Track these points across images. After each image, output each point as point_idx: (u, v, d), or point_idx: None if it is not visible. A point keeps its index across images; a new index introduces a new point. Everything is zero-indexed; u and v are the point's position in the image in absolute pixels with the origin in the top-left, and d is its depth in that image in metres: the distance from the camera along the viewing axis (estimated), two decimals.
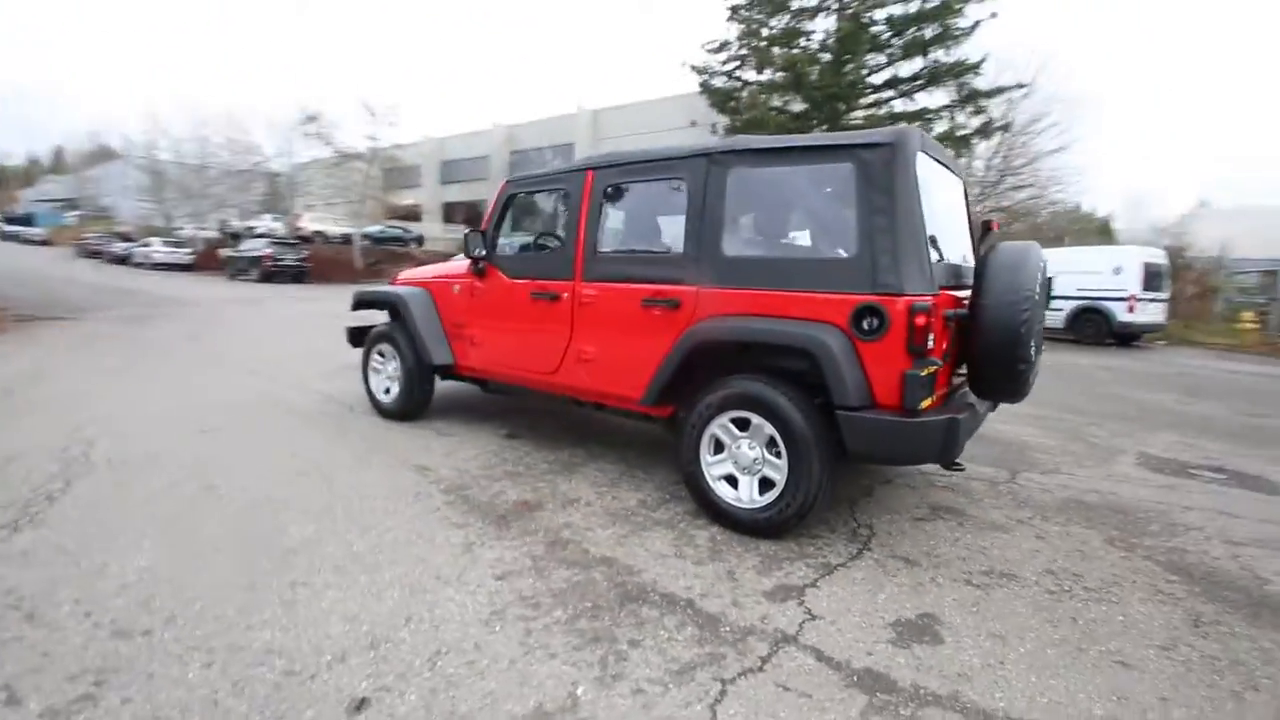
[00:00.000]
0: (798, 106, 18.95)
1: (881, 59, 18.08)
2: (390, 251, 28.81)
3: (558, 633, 2.08)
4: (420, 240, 33.74)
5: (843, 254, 2.63)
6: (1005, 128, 17.63)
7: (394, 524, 2.85)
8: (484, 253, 3.82)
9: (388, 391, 4.63)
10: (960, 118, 17.31)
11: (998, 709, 1.79)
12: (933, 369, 2.45)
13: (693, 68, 20.32)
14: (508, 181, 3.89)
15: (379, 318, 5.13)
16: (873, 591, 2.41)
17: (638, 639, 2.06)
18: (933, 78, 17.51)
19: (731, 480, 2.90)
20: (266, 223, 30.16)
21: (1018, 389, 2.77)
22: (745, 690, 1.82)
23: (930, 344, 2.44)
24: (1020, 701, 1.82)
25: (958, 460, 2.71)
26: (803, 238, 3.00)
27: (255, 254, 21.90)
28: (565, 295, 3.47)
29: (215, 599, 2.20)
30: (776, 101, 18.16)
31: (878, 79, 18.13)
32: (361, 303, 4.86)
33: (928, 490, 3.53)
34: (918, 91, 17.90)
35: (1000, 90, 16.98)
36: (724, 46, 19.66)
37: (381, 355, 4.66)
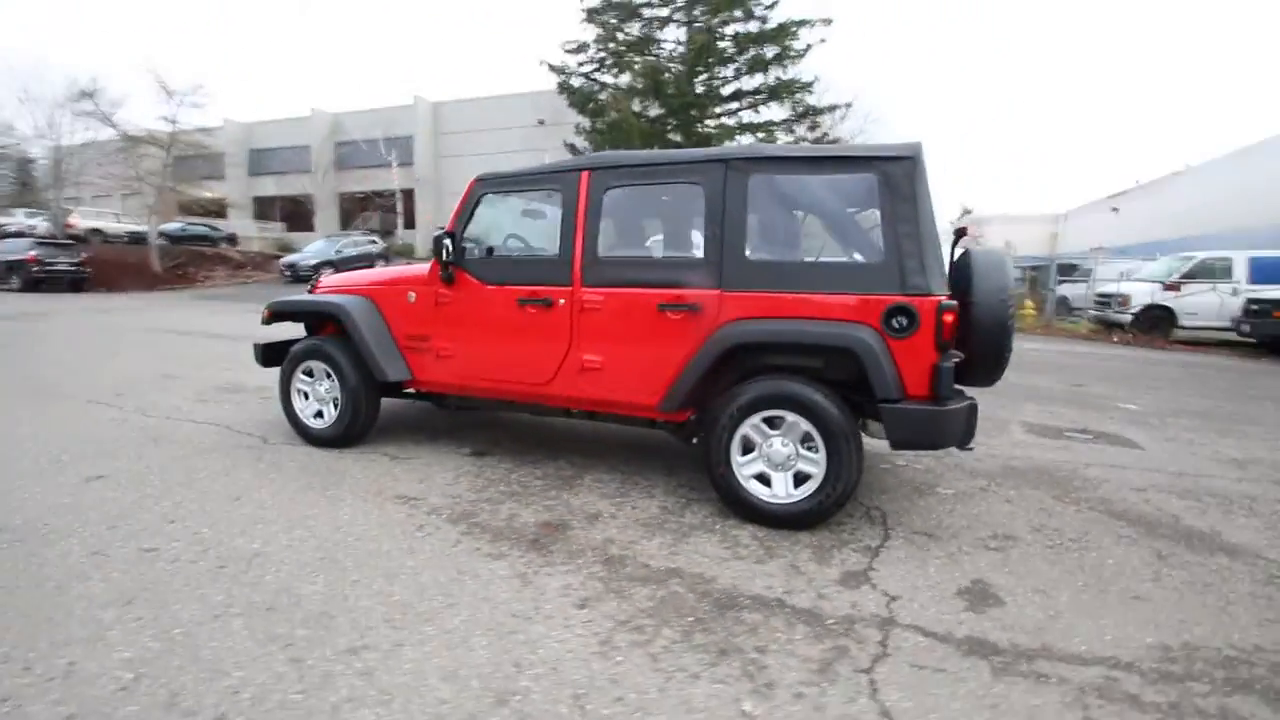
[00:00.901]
0: (654, 111, 19.63)
1: (729, 72, 19.32)
2: (196, 252, 24.99)
3: (682, 652, 2.00)
4: (233, 239, 29.64)
5: (871, 258, 2.83)
6: (834, 143, 19.75)
7: (420, 564, 2.53)
8: (453, 257, 3.50)
9: (319, 415, 4.06)
10: (800, 131, 19.07)
11: (1082, 652, 2.06)
12: (956, 361, 2.72)
13: (550, 67, 20.14)
14: (478, 180, 3.60)
15: (291, 332, 4.48)
16: (921, 566, 2.63)
17: (761, 645, 2.05)
18: (774, 93, 19.09)
19: (762, 478, 2.98)
20: (19, 219, 24.62)
21: (999, 374, 3.17)
22: (890, 677, 1.91)
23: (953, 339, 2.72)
24: (1094, 643, 2.11)
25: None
26: (822, 243, 3.16)
27: (15, 258, 17.78)
28: (562, 301, 3.30)
29: (268, 685, 1.80)
30: (637, 106, 18.62)
31: (728, 90, 19.35)
32: (280, 315, 4.20)
33: (890, 471, 3.89)
34: (762, 105, 19.40)
35: (832, 108, 19.00)
36: (582, 48, 19.74)
37: (309, 375, 4.07)
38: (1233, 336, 11.38)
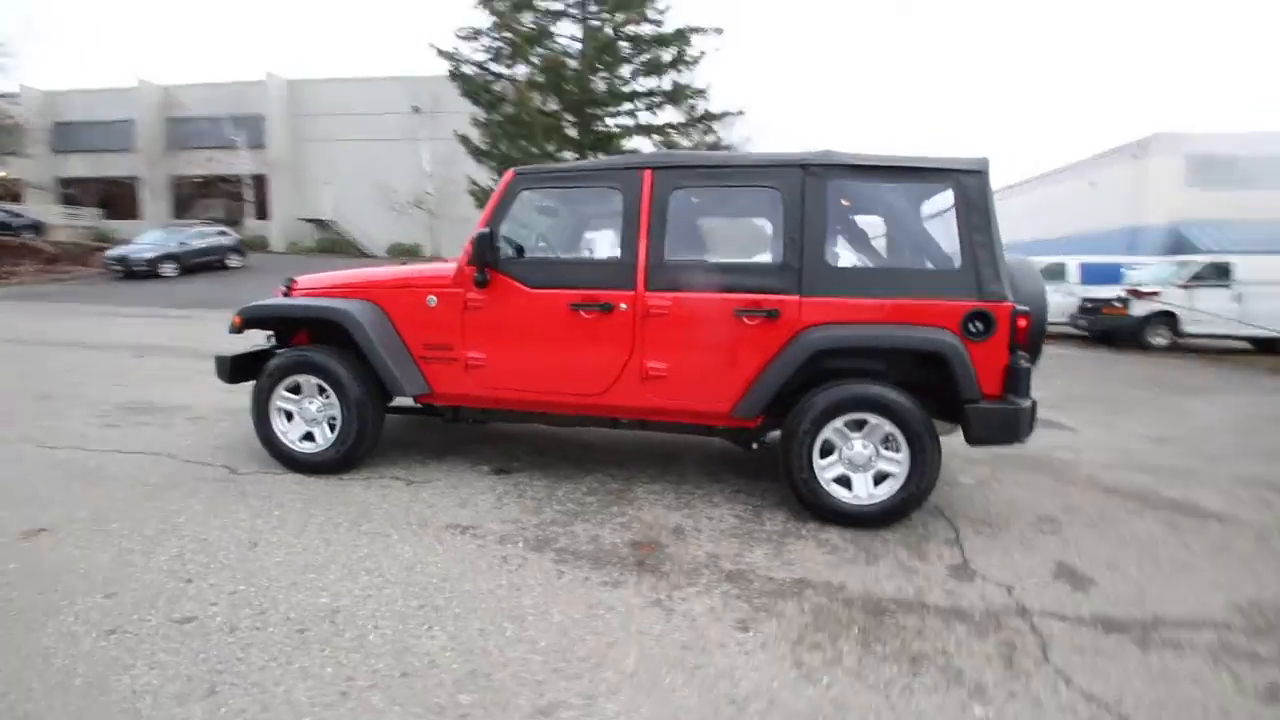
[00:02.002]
0: (551, 106, 19.21)
1: (627, 73, 19.37)
2: None
3: (878, 667, 1.97)
4: (39, 228, 24.86)
5: (947, 265, 2.96)
6: (728, 149, 20.56)
7: (539, 602, 2.26)
8: (490, 259, 3.17)
9: (308, 439, 3.51)
10: (695, 135, 19.59)
11: (1186, 617, 2.30)
12: (1027, 361, 2.93)
13: (440, 52, 18.97)
14: (517, 174, 3.28)
15: (244, 344, 3.83)
16: (1005, 554, 2.80)
17: (941, 648, 2.07)
18: (671, 97, 19.44)
19: (840, 480, 3.02)
20: None
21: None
22: (1070, 662, 2.00)
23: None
24: (1187, 608, 2.37)
25: None
26: (895, 249, 3.23)
27: None
28: (623, 306, 3.12)
29: None
30: (536, 100, 18.09)
31: (626, 90, 19.38)
32: (255, 322, 3.57)
33: None
34: (658, 107, 19.67)
35: (726, 114, 19.72)
36: (477, 35, 18.81)
37: (294, 391, 3.49)
38: (1071, 330, 13.39)
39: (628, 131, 19.81)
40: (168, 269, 19.57)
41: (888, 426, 2.93)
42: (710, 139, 19.61)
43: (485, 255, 3.14)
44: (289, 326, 3.75)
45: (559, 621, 2.14)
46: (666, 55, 19.15)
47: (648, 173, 3.12)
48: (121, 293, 16.39)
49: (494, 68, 19.62)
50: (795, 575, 2.54)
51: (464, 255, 3.33)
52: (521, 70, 19.01)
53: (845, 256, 3.06)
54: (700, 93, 19.68)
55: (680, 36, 18.97)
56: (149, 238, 20.89)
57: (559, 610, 2.21)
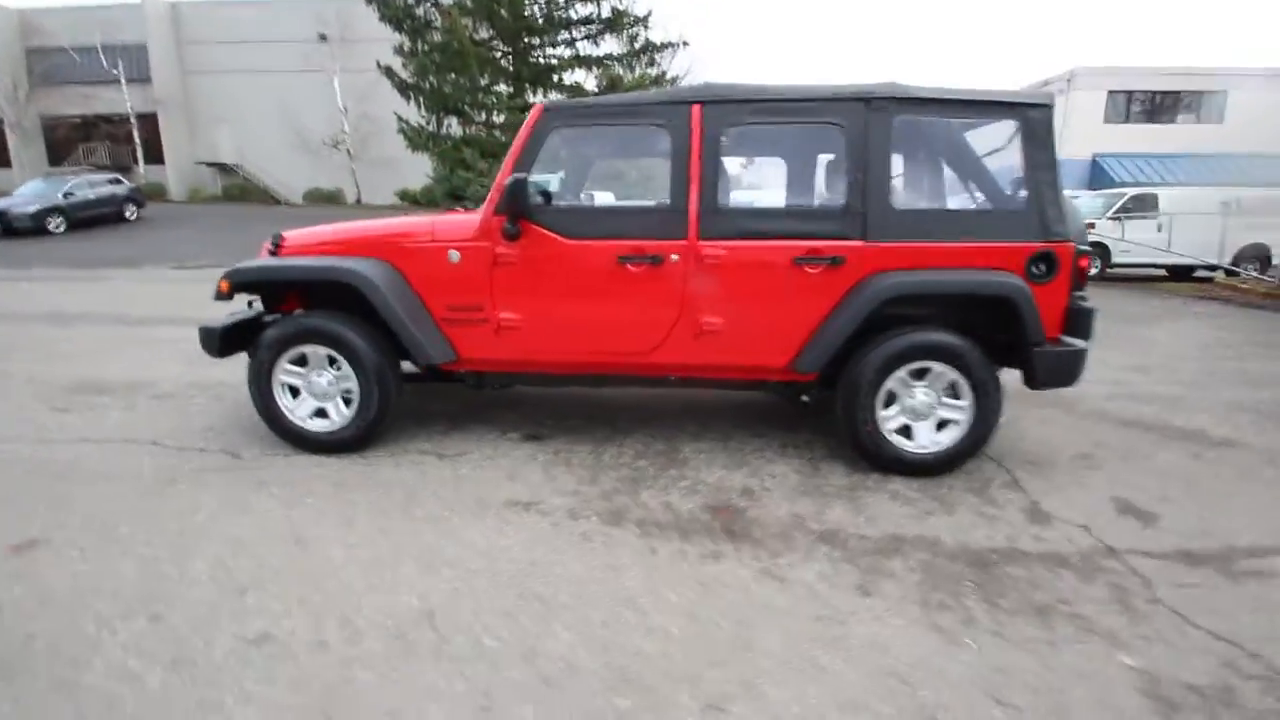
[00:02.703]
0: (483, 33, 17.84)
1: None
2: None
3: (1013, 623, 1.95)
4: None
5: (1011, 206, 2.86)
6: (673, 81, 19.80)
7: (644, 584, 2.12)
8: (522, 207, 2.82)
9: (321, 414, 3.15)
10: (640, 68, 18.72)
11: (1256, 546, 2.42)
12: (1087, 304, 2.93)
13: None
14: (547, 110, 2.90)
15: (225, 311, 3.36)
16: (1065, 493, 2.86)
17: (1060, 599, 2.08)
18: (610, 26, 18.39)
19: (902, 430, 2.98)
20: None
21: None
22: (1180, 601, 2.05)
23: None
24: (1253, 536, 2.49)
25: None
26: (956, 189, 3.09)
27: None
28: (675, 257, 2.88)
29: None
30: (468, 26, 16.68)
31: (563, 16, 18.17)
32: (245, 286, 3.11)
33: None
34: (599, 36, 18.60)
35: (669, 45, 18.88)
36: None
37: (300, 364, 3.10)
38: None
39: (566, 64, 18.72)
40: (55, 224, 17.33)
41: (952, 374, 2.88)
42: (654, 71, 18.80)
43: (518, 204, 2.80)
44: (281, 289, 3.30)
45: (678, 604, 2.01)
46: None
47: (696, 108, 2.83)
48: (5, 253, 14.44)
49: None
50: (885, 531, 2.49)
51: (489, 204, 2.98)
52: None
53: (911, 198, 2.91)
54: (640, 20, 18.73)
55: None
56: (29, 189, 18.32)
57: (673, 591, 2.08)
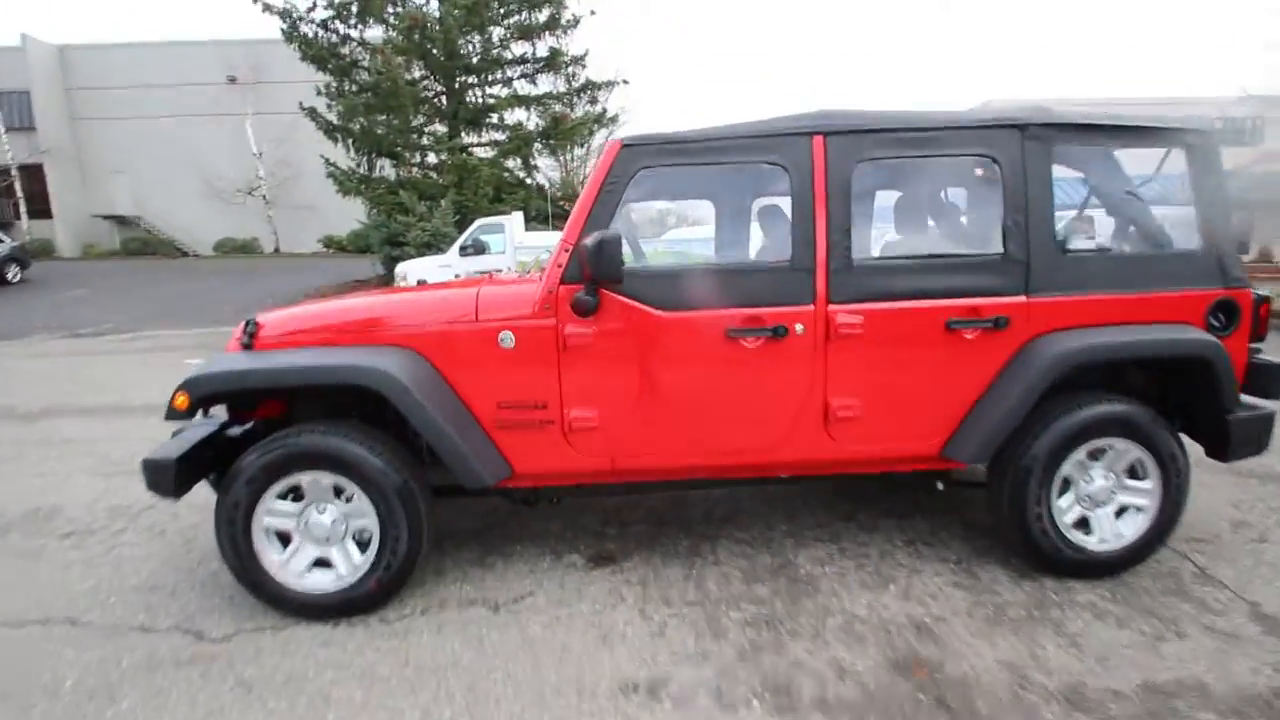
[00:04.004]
0: (416, 73, 17.03)
1: (497, 37, 17.60)
2: None
3: None
4: None
5: (1184, 247, 2.41)
6: (614, 119, 19.56)
7: None
8: (609, 271, 2.12)
9: (323, 565, 2.28)
10: (580, 107, 18.37)
11: None
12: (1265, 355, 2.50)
13: (267, 7, 15.91)
14: (626, 145, 2.23)
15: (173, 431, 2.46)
16: (1263, 578, 2.37)
17: None
18: (548, 64, 18.00)
19: (1080, 523, 2.43)
20: None
21: None
22: None
23: None
24: None
25: None
26: (1122, 229, 2.61)
27: None
28: (800, 328, 2.25)
29: None
30: (402, 66, 15.81)
31: (499, 55, 17.64)
32: (211, 398, 2.23)
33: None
34: (539, 75, 18.16)
35: (611, 83, 18.65)
36: None
37: (293, 498, 2.24)
38: None
39: (505, 103, 18.12)
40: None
41: (1135, 451, 2.37)
42: (596, 109, 18.52)
43: (606, 269, 2.09)
44: (258, 399, 2.44)
45: None
46: (540, 17, 17.66)
47: (819, 140, 2.24)
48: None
49: (340, 28, 16.89)
50: (1130, 679, 1.89)
51: (553, 270, 2.26)
52: (377, 32, 16.55)
53: (1077, 241, 2.41)
54: (578, 60, 18.47)
55: None
56: None
57: None
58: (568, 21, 17.92)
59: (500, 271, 10.97)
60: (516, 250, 11.07)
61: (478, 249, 11.28)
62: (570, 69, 18.40)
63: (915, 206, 2.65)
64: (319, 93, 16.43)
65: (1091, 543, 2.42)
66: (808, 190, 2.24)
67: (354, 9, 16.03)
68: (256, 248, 27.50)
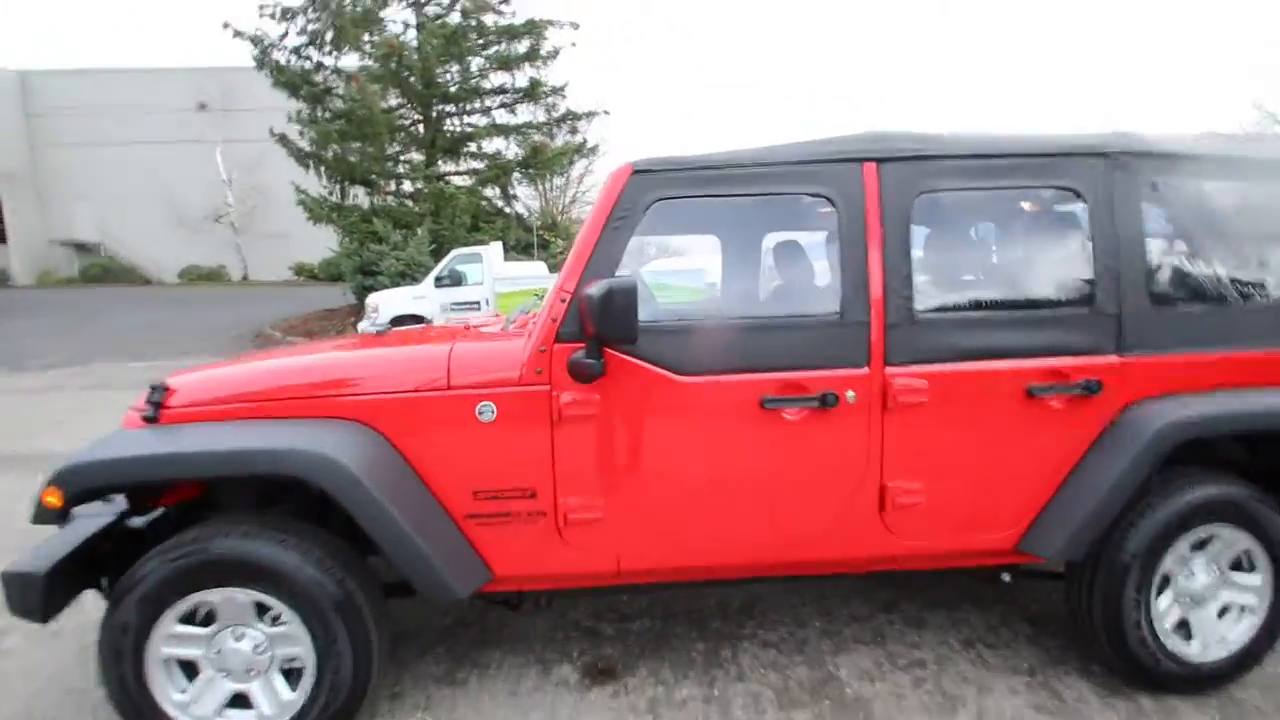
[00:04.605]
0: (392, 100, 16.70)
1: (475, 67, 17.41)
2: None
3: None
4: None
5: None
6: (594, 149, 19.38)
7: None
8: (620, 329, 1.67)
9: (241, 707, 1.75)
10: (560, 137, 18.15)
11: None
12: None
13: (237, 33, 15.49)
14: (639, 171, 1.81)
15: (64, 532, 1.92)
16: None
17: None
18: (528, 94, 17.82)
19: (1179, 625, 2.02)
20: None
21: None
22: None
23: None
24: None
25: None
26: (1219, 272, 2.25)
27: None
28: (851, 396, 1.82)
29: None
30: (377, 94, 15.45)
31: (478, 85, 17.42)
32: (91, 492, 1.71)
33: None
34: (518, 105, 17.95)
35: (591, 114, 18.49)
36: (289, 15, 15.59)
37: (199, 621, 1.72)
38: None
39: (484, 132, 17.85)
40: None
41: (1244, 540, 1.97)
42: (576, 139, 18.32)
43: (611, 324, 1.65)
44: (155, 490, 1.91)
45: None
46: (520, 48, 17.54)
47: (871, 168, 1.85)
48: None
49: (314, 55, 16.53)
50: None
51: (546, 324, 1.81)
52: (351, 60, 16.22)
53: (1176, 289, 2.04)
54: (558, 90, 18.34)
55: (531, 27, 17.44)
56: None
57: None
58: (548, 53, 17.84)
59: (480, 306, 10.46)
60: (495, 282, 10.60)
61: (454, 280, 10.78)
62: (550, 99, 18.27)
63: (985, 247, 2.27)
64: (291, 119, 15.97)
65: (1193, 650, 2.00)
66: (859, 227, 1.83)
67: (328, 37, 15.69)
68: (224, 276, 26.67)
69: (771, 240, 2.55)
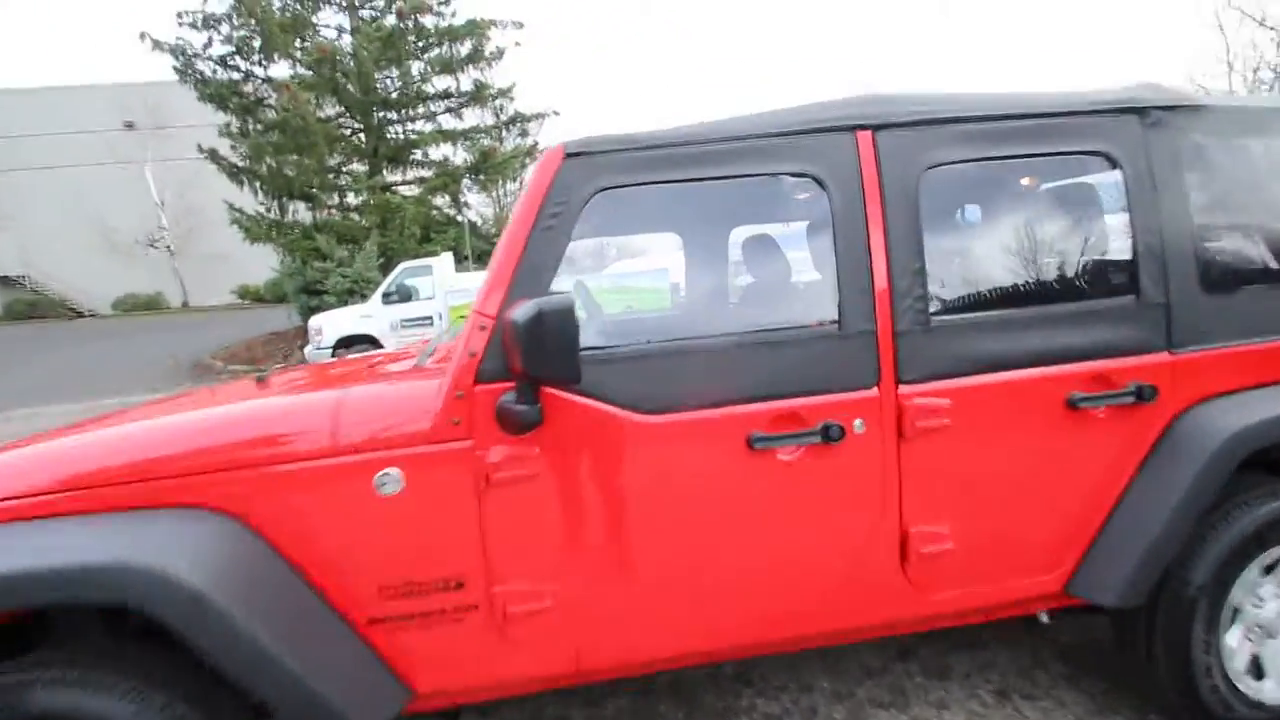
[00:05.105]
0: (329, 110, 15.91)
1: (416, 71, 16.73)
2: None
3: None
4: None
5: None
6: (544, 152, 18.81)
7: None
8: (560, 366, 1.25)
9: None
10: (510, 140, 17.58)
11: None
12: None
13: (157, 43, 14.51)
14: (571, 154, 1.39)
15: None
16: None
17: None
18: (474, 98, 17.22)
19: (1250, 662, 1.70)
20: None
21: None
22: None
23: None
24: None
25: None
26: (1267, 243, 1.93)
27: None
28: (859, 425, 1.44)
29: None
30: (311, 102, 14.63)
31: (420, 90, 16.73)
32: None
33: None
34: (464, 109, 17.31)
35: (541, 115, 17.95)
36: (211, 22, 14.65)
37: None
38: None
39: (429, 138, 17.16)
40: None
41: None
42: (527, 141, 17.78)
43: (544, 359, 1.23)
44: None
45: None
46: (462, 50, 16.92)
47: (866, 138, 1.47)
48: None
49: (242, 65, 15.62)
50: None
51: (460, 359, 1.38)
52: (283, 68, 15.37)
53: (1226, 269, 1.71)
54: (504, 93, 17.77)
55: (473, 28, 16.84)
56: None
57: None
58: (491, 54, 17.28)
59: (433, 321, 9.84)
60: (448, 294, 10.05)
61: (403, 295, 10.18)
62: (498, 101, 17.70)
63: (1006, 229, 1.92)
64: (221, 134, 15.05)
65: (1266, 691, 1.68)
66: (856, 212, 1.45)
67: (256, 44, 14.82)
68: (162, 302, 25.32)
69: (747, 234, 2.16)
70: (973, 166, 1.54)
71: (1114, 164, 1.57)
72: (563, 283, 1.48)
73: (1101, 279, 1.60)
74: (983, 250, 1.67)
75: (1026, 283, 1.61)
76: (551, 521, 1.40)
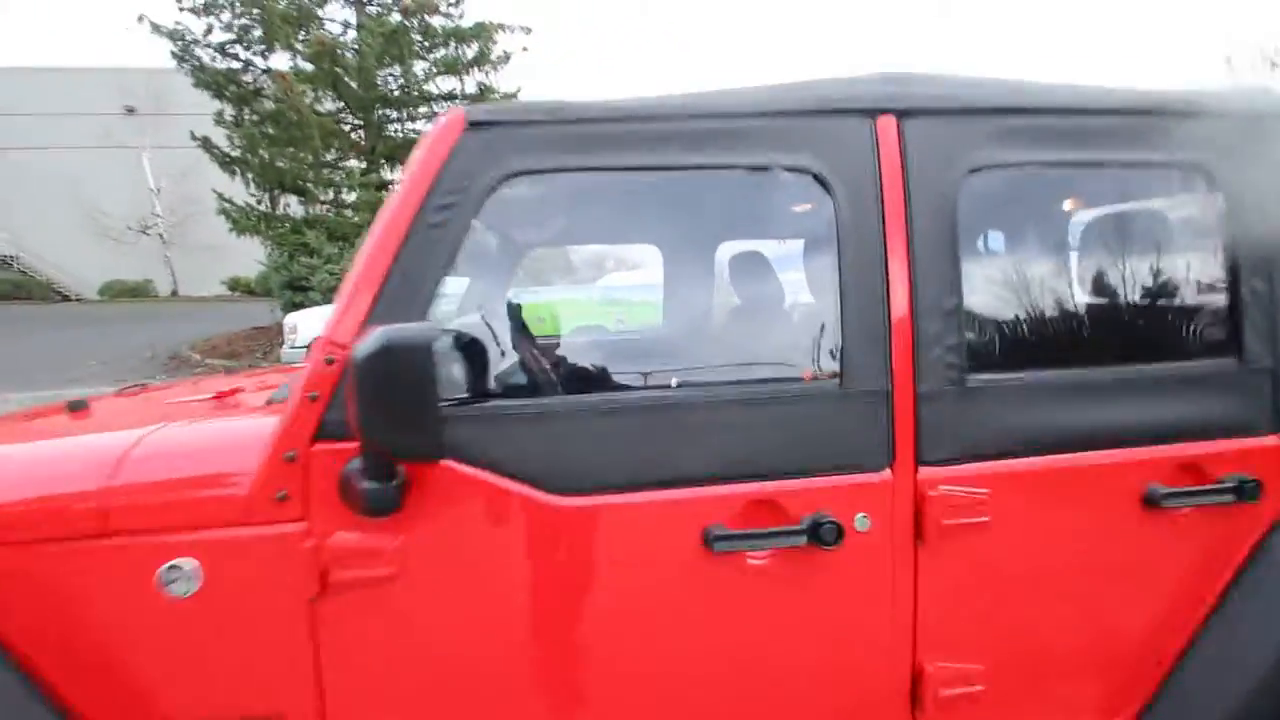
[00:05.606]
0: (327, 105, 15.63)
1: (420, 71, 16.52)
2: None
3: None
4: None
5: None
6: None
7: None
8: (424, 435, 0.84)
9: None
10: None
11: None
12: None
13: (155, 27, 14.24)
14: (473, 124, 1.00)
15: None
16: None
17: None
18: (478, 100, 16.99)
19: None
20: None
21: None
22: None
23: None
24: None
25: None
26: None
27: None
28: (864, 521, 1.03)
29: None
30: (308, 95, 14.34)
31: (423, 90, 16.50)
32: None
33: None
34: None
35: None
36: (211, 9, 14.36)
37: None
38: None
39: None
40: None
41: None
42: None
43: (381, 422, 0.82)
44: None
45: None
46: (468, 52, 16.73)
47: (889, 125, 1.08)
48: None
49: (241, 54, 15.37)
50: None
51: (297, 404, 0.97)
52: (282, 59, 15.10)
53: None
54: (511, 97, 17.56)
55: (480, 31, 16.66)
56: None
57: None
58: (498, 58, 17.13)
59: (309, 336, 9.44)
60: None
61: None
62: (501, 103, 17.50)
63: (1070, 258, 1.50)
64: (217, 122, 14.77)
65: None
66: (869, 227, 1.05)
67: (256, 34, 14.55)
68: (150, 290, 24.89)
69: (723, 251, 1.72)
70: (1033, 172, 1.14)
71: (1210, 181, 1.17)
72: (496, 297, 1.08)
73: (1193, 334, 1.20)
74: (1039, 286, 1.25)
75: (1095, 333, 1.21)
76: (416, 642, 0.98)
